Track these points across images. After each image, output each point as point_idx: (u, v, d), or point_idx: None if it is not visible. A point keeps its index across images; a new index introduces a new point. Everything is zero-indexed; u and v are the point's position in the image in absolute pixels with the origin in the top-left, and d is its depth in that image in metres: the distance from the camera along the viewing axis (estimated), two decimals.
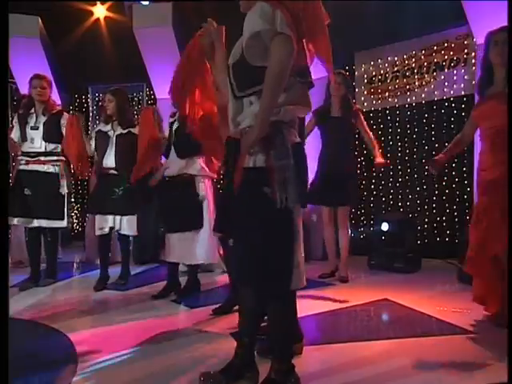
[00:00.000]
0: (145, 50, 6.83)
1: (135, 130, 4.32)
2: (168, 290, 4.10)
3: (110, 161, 4.33)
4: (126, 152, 4.26)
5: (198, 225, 3.85)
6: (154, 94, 7.44)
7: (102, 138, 4.38)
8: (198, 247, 3.86)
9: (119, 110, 4.34)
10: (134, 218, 4.36)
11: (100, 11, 7.49)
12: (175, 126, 3.97)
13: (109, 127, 4.40)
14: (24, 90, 6.93)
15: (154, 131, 4.16)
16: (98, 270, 4.53)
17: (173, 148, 3.96)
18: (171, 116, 4.10)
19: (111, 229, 4.38)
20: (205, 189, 3.91)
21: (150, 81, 7.21)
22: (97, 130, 4.50)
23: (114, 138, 4.34)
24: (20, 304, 3.74)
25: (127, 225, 4.35)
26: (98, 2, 7.41)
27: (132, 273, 4.71)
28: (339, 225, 4.59)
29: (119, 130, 4.36)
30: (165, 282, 4.24)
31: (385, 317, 3.47)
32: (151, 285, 4.43)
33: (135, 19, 6.67)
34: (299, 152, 1.97)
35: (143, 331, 3.04)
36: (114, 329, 3.14)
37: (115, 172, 4.31)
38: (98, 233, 4.37)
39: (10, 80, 6.84)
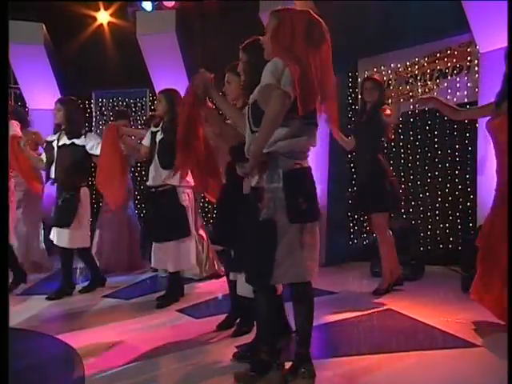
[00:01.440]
0: (148, 56, 6.85)
1: (79, 141, 4.29)
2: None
3: (53, 172, 4.35)
4: (66, 164, 4.25)
5: (184, 234, 3.92)
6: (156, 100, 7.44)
7: (48, 149, 4.42)
8: (180, 255, 3.95)
9: (67, 119, 4.34)
10: (65, 230, 4.25)
11: (103, 17, 7.52)
12: (159, 136, 3.96)
13: (55, 137, 4.43)
14: (29, 96, 7.02)
15: (116, 151, 4.16)
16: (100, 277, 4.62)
17: (156, 158, 3.96)
18: (154, 126, 4.10)
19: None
20: (187, 199, 3.97)
21: (153, 86, 7.22)
22: (47, 140, 4.53)
23: (56, 149, 4.35)
24: (23, 315, 3.75)
25: (57, 235, 4.31)
26: (102, 9, 7.44)
27: (136, 281, 4.74)
28: (375, 234, 4.39)
29: (63, 141, 4.35)
30: None
31: (388, 329, 3.41)
32: (154, 293, 4.39)
33: (139, 25, 6.70)
34: (296, 177, 2.26)
35: (148, 342, 3.05)
36: (120, 340, 3.15)
37: (56, 183, 4.34)
38: None
39: (13, 86, 6.87)
